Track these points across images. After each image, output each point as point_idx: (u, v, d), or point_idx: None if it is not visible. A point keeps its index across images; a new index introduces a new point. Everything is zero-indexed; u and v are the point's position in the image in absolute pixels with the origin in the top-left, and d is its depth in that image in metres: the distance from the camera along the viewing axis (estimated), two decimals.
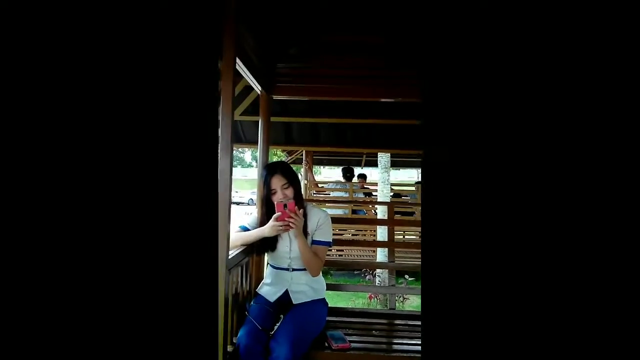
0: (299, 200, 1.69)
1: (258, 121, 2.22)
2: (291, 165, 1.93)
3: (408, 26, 1.93)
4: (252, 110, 3.07)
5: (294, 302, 1.71)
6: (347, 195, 6.23)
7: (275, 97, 2.25)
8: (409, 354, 1.62)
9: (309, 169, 6.86)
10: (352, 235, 5.68)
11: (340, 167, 7.57)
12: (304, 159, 6.76)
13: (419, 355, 1.60)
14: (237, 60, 1.48)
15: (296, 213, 1.59)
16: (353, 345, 1.64)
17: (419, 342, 1.71)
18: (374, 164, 6.13)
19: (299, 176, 4.25)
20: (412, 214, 6.16)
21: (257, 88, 2.03)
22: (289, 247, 1.73)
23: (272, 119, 2.30)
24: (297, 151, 6.92)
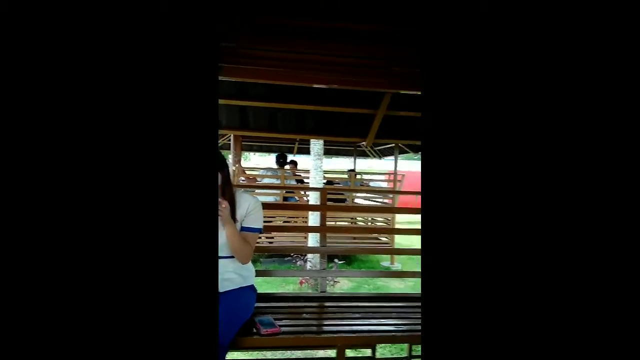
0: (227, 186, 1.61)
1: None
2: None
3: (370, 13, 1.89)
4: None
5: (221, 290, 1.63)
6: (278, 182, 6.16)
7: None
8: (339, 334, 1.63)
9: (237, 155, 6.66)
10: (284, 222, 5.65)
11: (272, 154, 7.46)
12: (232, 144, 6.52)
13: (350, 334, 1.64)
14: None
15: (219, 202, 1.51)
16: (283, 329, 1.61)
17: (349, 323, 1.74)
18: (306, 151, 6.12)
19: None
20: (344, 200, 6.29)
21: None
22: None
23: None
24: (224, 135, 6.66)
